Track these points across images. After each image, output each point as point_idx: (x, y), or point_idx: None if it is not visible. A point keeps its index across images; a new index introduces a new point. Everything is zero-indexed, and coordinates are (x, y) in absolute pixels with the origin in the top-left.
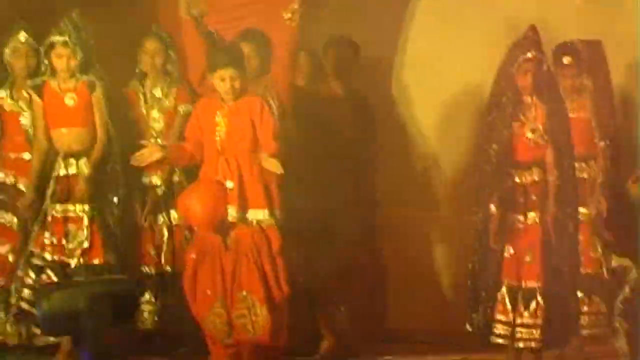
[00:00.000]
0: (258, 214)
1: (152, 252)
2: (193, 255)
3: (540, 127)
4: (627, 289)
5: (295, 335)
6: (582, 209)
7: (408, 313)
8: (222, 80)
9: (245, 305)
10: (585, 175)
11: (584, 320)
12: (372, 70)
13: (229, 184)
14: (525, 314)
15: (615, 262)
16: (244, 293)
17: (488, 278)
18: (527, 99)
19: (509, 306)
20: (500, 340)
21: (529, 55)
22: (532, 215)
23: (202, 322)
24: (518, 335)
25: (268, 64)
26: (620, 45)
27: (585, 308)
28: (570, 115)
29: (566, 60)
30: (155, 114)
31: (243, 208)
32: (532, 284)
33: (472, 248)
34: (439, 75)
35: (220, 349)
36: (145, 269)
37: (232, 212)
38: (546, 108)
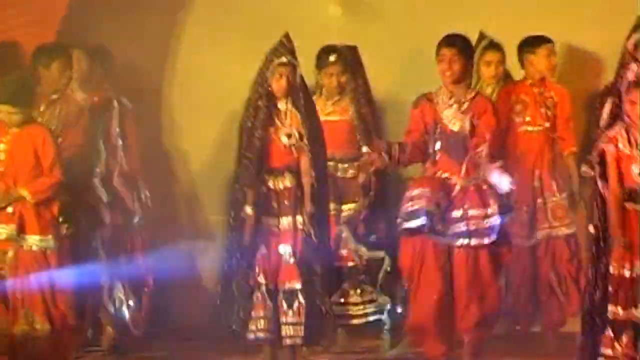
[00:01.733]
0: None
1: None
2: None
3: (296, 132)
4: (380, 277)
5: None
6: (347, 206)
7: (190, 311)
8: None
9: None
10: (349, 175)
11: (354, 309)
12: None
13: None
14: (290, 313)
15: (369, 254)
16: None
17: (244, 278)
18: (282, 103)
19: (266, 305)
20: (254, 336)
21: (284, 59)
22: (286, 220)
23: None
24: (285, 333)
25: None
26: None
27: (357, 299)
28: (330, 118)
29: (332, 57)
30: None
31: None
32: (292, 284)
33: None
34: (212, 85)
35: None
36: None
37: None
38: (299, 113)
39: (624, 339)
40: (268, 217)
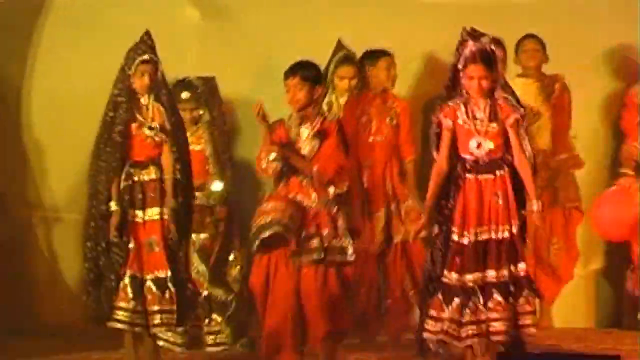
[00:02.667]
0: None
1: None
2: None
3: (158, 125)
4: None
5: None
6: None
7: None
8: None
9: None
10: (202, 202)
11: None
12: None
13: None
14: (162, 301)
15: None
16: None
17: (109, 270)
18: (144, 99)
19: (130, 294)
20: (120, 326)
21: (145, 57)
22: (152, 211)
23: None
24: (156, 321)
25: None
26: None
27: (206, 328)
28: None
29: (185, 94)
30: None
31: None
32: (161, 273)
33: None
34: (73, 84)
35: None
36: None
37: None
38: (163, 108)
39: (454, 304)
40: (134, 209)
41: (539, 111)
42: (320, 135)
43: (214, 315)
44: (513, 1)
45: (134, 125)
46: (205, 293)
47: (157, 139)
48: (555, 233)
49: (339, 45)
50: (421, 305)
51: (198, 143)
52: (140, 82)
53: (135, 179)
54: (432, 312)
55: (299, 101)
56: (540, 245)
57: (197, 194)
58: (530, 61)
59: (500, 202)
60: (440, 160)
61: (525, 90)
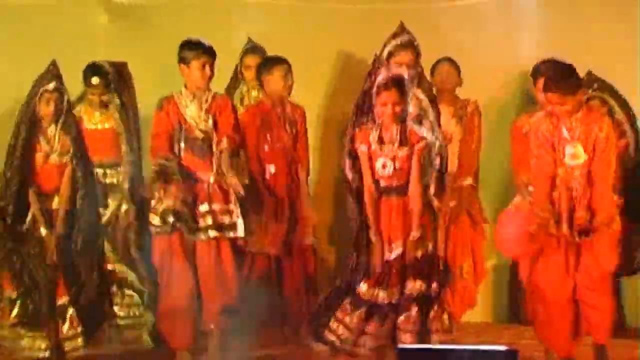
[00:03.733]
0: None
1: None
2: None
3: (64, 153)
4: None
5: None
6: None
7: None
8: None
9: None
10: (114, 180)
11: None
12: None
13: None
14: (65, 327)
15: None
16: None
17: None
18: (49, 127)
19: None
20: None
21: (51, 86)
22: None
23: None
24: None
25: None
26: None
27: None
28: (98, 126)
29: (94, 80)
30: None
31: None
32: (62, 300)
33: None
34: None
35: None
36: None
37: None
38: (68, 136)
39: (358, 313)
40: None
41: (452, 134)
42: (214, 110)
43: (127, 291)
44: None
45: (39, 155)
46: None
47: (61, 164)
48: (465, 253)
49: (249, 41)
50: (331, 302)
51: (108, 122)
52: (45, 110)
53: (42, 206)
54: (339, 314)
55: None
56: (453, 267)
57: (108, 171)
58: (444, 84)
59: (413, 226)
60: (369, 184)
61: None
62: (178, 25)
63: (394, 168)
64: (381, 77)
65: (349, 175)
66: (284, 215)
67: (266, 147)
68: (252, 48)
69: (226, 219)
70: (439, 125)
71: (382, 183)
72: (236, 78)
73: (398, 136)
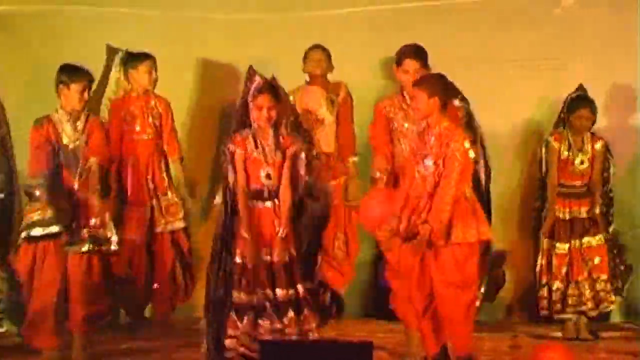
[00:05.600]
0: None
1: None
2: None
3: None
4: None
5: None
6: None
7: None
8: None
9: None
10: None
11: None
12: None
13: None
14: None
15: None
16: None
17: None
18: None
19: None
20: None
21: None
22: None
23: None
24: None
25: None
26: None
27: None
28: None
29: None
30: None
31: None
32: None
33: None
34: None
35: None
36: None
37: None
38: None
39: (245, 320)
40: None
41: (324, 117)
42: (87, 130)
43: None
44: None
45: None
46: None
47: None
48: (339, 229)
49: (109, 48)
50: (210, 327)
51: None
52: None
53: None
54: (230, 332)
55: (81, 101)
56: (327, 241)
57: None
58: (316, 70)
59: (279, 228)
60: (243, 187)
61: (312, 97)
62: (39, 33)
63: (273, 173)
64: (256, 82)
65: (231, 178)
66: (146, 204)
67: (131, 138)
68: (133, 56)
69: (100, 233)
70: None
71: (258, 188)
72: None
73: (273, 141)
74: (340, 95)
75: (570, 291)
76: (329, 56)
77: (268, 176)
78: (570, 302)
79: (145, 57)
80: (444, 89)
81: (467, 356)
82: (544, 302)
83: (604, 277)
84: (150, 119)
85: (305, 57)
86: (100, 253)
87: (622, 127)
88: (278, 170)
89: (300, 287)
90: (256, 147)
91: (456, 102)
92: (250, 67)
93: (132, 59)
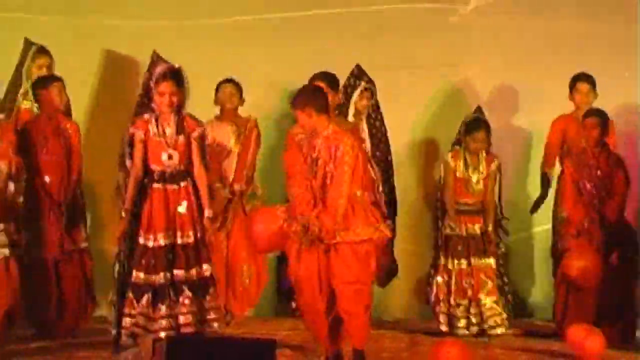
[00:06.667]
0: None
1: None
2: None
3: None
4: None
5: None
6: None
7: None
8: None
9: None
10: None
11: None
12: None
13: None
14: None
15: None
16: None
17: None
18: None
19: None
20: None
21: None
22: None
23: None
24: None
25: None
26: None
27: None
28: None
29: None
30: None
31: None
32: None
33: None
34: None
35: None
36: None
37: None
38: None
39: (143, 300)
40: None
41: (231, 149)
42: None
43: None
44: None
45: None
46: None
47: None
48: (245, 261)
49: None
50: (118, 306)
51: None
52: None
53: None
54: (126, 310)
55: None
56: (233, 270)
57: None
58: (227, 103)
59: (184, 210)
60: (137, 169)
61: (221, 131)
62: None
63: (175, 157)
64: (159, 68)
65: (128, 162)
66: (59, 222)
67: (42, 158)
68: (40, 49)
69: (15, 237)
70: None
71: (157, 171)
72: (20, 76)
73: (175, 125)
74: (247, 128)
75: (473, 310)
76: (240, 90)
77: (170, 157)
78: (473, 320)
79: (55, 79)
80: (311, 97)
81: (362, 350)
82: (443, 318)
83: (494, 298)
84: (61, 140)
85: (217, 90)
86: (15, 256)
87: (508, 127)
88: (181, 153)
89: (205, 267)
90: (157, 130)
91: (363, 84)
92: (154, 52)
93: (43, 80)
